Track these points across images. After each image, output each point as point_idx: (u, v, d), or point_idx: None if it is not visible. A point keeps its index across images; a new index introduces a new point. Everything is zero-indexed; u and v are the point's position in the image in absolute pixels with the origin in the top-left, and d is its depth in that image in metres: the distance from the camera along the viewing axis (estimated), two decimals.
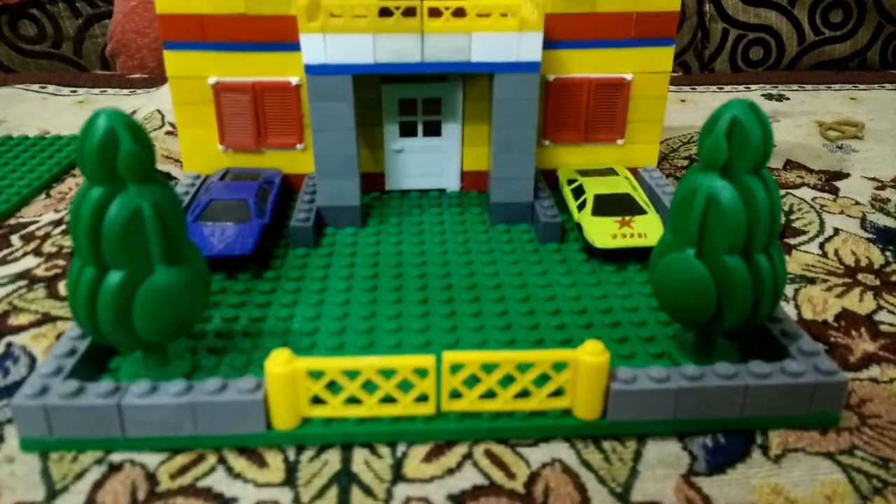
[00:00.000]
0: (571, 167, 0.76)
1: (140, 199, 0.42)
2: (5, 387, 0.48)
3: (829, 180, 0.84)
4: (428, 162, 0.77)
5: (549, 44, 0.70)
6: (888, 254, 0.68)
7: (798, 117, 1.05)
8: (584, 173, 0.73)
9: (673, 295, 0.46)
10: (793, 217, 0.75)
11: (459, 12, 0.63)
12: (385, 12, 0.63)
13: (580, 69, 0.73)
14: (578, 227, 0.66)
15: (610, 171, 0.74)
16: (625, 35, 0.72)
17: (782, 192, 0.81)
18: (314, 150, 0.68)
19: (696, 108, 1.10)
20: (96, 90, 1.17)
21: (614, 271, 0.62)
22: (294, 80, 0.72)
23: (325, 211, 0.70)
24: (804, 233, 0.72)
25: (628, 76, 0.73)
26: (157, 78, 1.23)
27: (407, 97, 0.73)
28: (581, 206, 0.67)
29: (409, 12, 0.62)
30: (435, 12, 0.62)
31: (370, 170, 0.77)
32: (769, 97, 1.14)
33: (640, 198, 0.68)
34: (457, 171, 0.78)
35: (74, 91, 1.17)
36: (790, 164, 0.88)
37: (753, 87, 1.19)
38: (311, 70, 0.64)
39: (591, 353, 0.43)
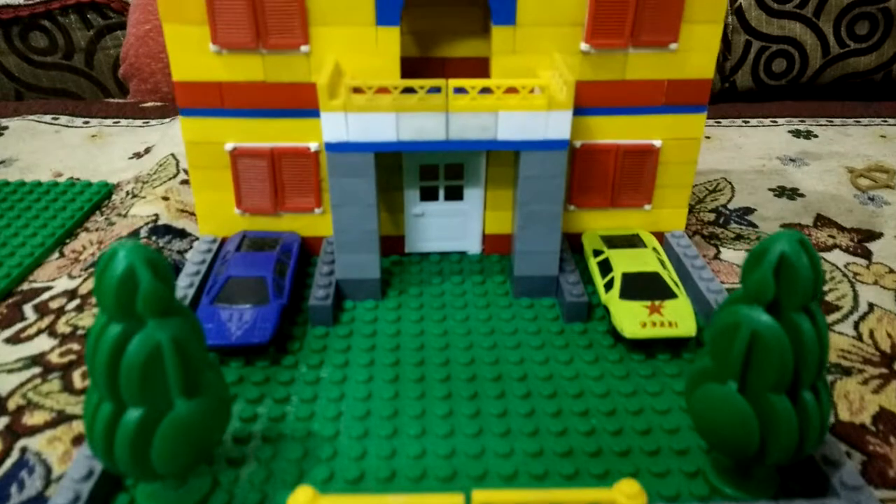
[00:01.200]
0: (596, 232, 0.74)
1: (159, 334, 0.40)
2: None
3: (862, 241, 0.81)
4: (449, 225, 0.75)
5: (577, 110, 0.67)
6: None
7: (827, 160, 1.02)
8: (610, 242, 0.71)
9: (713, 427, 0.44)
10: (826, 289, 0.73)
11: (486, 90, 0.61)
12: (409, 90, 0.61)
13: (608, 135, 0.70)
14: (606, 309, 0.64)
15: (637, 241, 0.72)
16: (655, 102, 0.69)
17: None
18: (333, 225, 0.66)
19: (720, 146, 1.07)
20: (109, 121, 1.16)
21: (643, 360, 0.61)
22: (313, 145, 0.70)
23: (344, 284, 0.68)
24: (837, 308, 0.70)
25: (657, 142, 0.71)
26: (170, 106, 1.21)
27: (428, 163, 0.71)
28: (608, 286, 0.65)
29: (434, 90, 0.60)
30: (460, 90, 0.60)
31: (389, 233, 0.75)
32: (797, 134, 1.11)
33: (670, 277, 0.66)
34: (478, 234, 0.76)
35: (87, 122, 1.15)
36: (821, 221, 0.86)
37: (780, 120, 1.16)
38: (331, 147, 0.62)
39: (628, 497, 0.41)
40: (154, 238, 0.77)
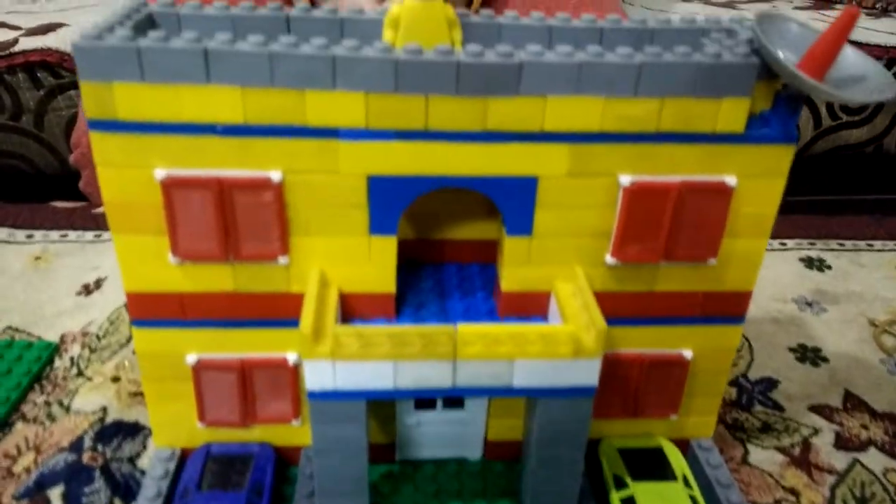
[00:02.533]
0: (614, 443, 0.65)
1: None
2: None
3: None
4: (447, 434, 0.65)
5: None
6: None
7: (845, 304, 0.94)
8: (633, 466, 0.62)
9: None
10: None
11: (498, 340, 0.51)
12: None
13: (632, 345, 0.61)
14: None
15: (663, 463, 0.63)
16: (687, 313, 0.60)
17: (849, 457, 0.71)
18: (315, 471, 0.56)
19: None
20: (55, 233, 1.03)
21: None
22: (291, 356, 0.59)
23: None
24: None
25: (688, 353, 0.62)
26: None
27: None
28: None
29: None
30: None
31: (378, 441, 0.65)
32: (809, 264, 1.03)
33: None
34: (480, 439, 0.66)
35: (31, 236, 1.02)
36: (851, 401, 0.78)
37: (789, 243, 1.09)
38: (315, 396, 0.52)
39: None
40: (100, 448, 0.66)
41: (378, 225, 0.54)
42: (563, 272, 0.57)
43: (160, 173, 0.50)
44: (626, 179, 0.53)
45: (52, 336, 0.82)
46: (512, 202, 0.54)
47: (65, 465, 0.64)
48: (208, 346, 0.59)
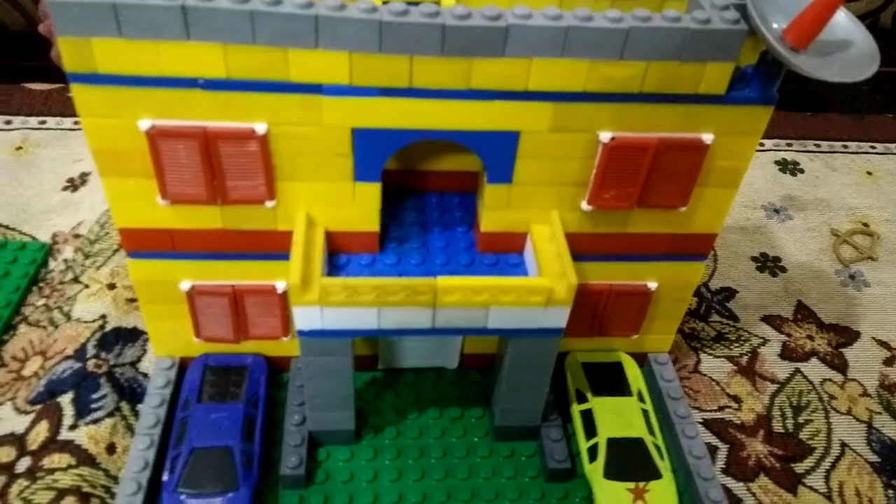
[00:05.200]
0: (578, 356, 0.71)
1: None
2: None
3: (839, 346, 0.81)
4: (426, 346, 0.71)
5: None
6: (891, 492, 0.67)
7: (812, 212, 0.98)
8: (594, 381, 0.69)
9: None
10: (801, 420, 0.73)
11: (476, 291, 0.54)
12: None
13: (601, 277, 0.65)
14: (590, 480, 0.63)
15: (620, 378, 0.69)
16: (655, 251, 0.64)
17: (791, 367, 0.78)
18: (305, 391, 0.61)
19: None
20: (33, 120, 1.02)
21: None
22: (280, 285, 0.63)
23: (317, 434, 0.65)
24: (811, 450, 0.70)
25: (653, 285, 0.66)
26: None
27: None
28: (592, 454, 0.64)
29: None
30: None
31: (362, 353, 0.70)
32: (783, 168, 1.06)
33: (654, 443, 0.64)
34: (457, 351, 0.72)
35: (9, 122, 1.01)
36: (801, 311, 0.84)
37: (767, 143, 1.10)
38: (305, 334, 0.56)
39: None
40: (103, 356, 0.70)
41: (363, 173, 0.56)
42: (541, 215, 0.60)
43: (144, 124, 0.51)
44: (605, 136, 0.54)
45: (42, 235, 0.84)
46: (493, 154, 0.55)
47: (71, 372, 0.69)
48: (200, 275, 0.62)
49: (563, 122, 0.53)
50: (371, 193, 0.57)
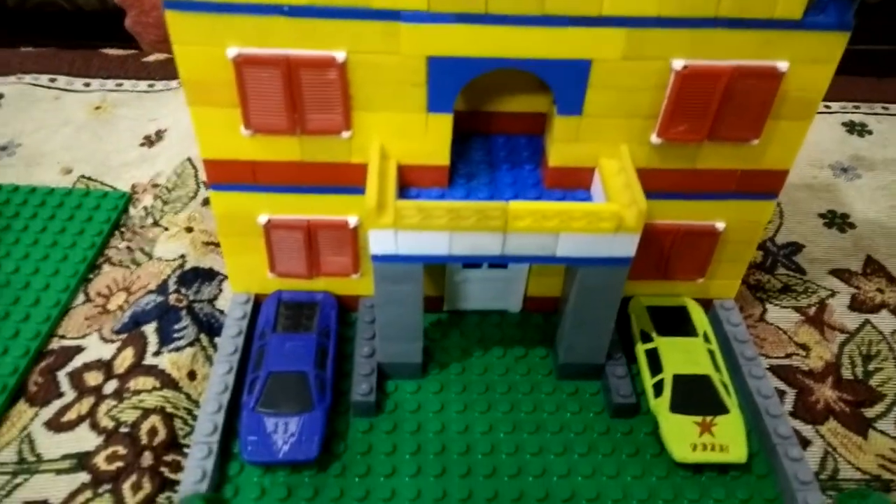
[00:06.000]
0: (642, 301, 0.72)
1: None
2: None
3: None
4: (490, 288, 0.72)
5: None
6: None
7: (881, 172, 0.96)
8: (659, 323, 0.69)
9: None
10: (871, 368, 0.72)
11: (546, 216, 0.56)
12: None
13: (669, 217, 0.65)
14: (655, 414, 0.63)
15: (686, 321, 0.69)
16: (724, 189, 0.63)
17: (861, 318, 0.77)
18: (377, 320, 0.63)
19: None
20: (111, 82, 1.06)
21: (689, 476, 0.61)
22: (352, 219, 0.65)
23: (386, 366, 0.67)
24: (882, 397, 0.69)
25: (720, 225, 0.66)
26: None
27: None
28: (658, 389, 0.64)
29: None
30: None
31: (429, 294, 0.72)
32: (850, 129, 1.03)
33: (721, 380, 0.64)
34: (520, 294, 0.73)
35: (87, 84, 1.06)
36: (871, 266, 0.83)
37: (833, 105, 1.08)
38: (379, 259, 0.58)
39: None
40: (183, 291, 0.74)
41: (435, 103, 0.57)
42: (609, 149, 0.60)
43: (232, 51, 0.53)
44: (678, 64, 0.54)
45: (122, 186, 0.89)
46: (565, 84, 0.56)
47: (154, 305, 0.73)
48: (277, 208, 0.64)
49: (636, 49, 0.54)
50: (443, 125, 0.59)
